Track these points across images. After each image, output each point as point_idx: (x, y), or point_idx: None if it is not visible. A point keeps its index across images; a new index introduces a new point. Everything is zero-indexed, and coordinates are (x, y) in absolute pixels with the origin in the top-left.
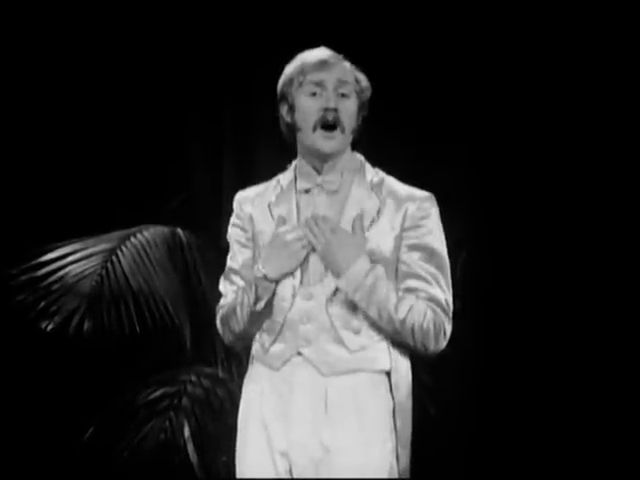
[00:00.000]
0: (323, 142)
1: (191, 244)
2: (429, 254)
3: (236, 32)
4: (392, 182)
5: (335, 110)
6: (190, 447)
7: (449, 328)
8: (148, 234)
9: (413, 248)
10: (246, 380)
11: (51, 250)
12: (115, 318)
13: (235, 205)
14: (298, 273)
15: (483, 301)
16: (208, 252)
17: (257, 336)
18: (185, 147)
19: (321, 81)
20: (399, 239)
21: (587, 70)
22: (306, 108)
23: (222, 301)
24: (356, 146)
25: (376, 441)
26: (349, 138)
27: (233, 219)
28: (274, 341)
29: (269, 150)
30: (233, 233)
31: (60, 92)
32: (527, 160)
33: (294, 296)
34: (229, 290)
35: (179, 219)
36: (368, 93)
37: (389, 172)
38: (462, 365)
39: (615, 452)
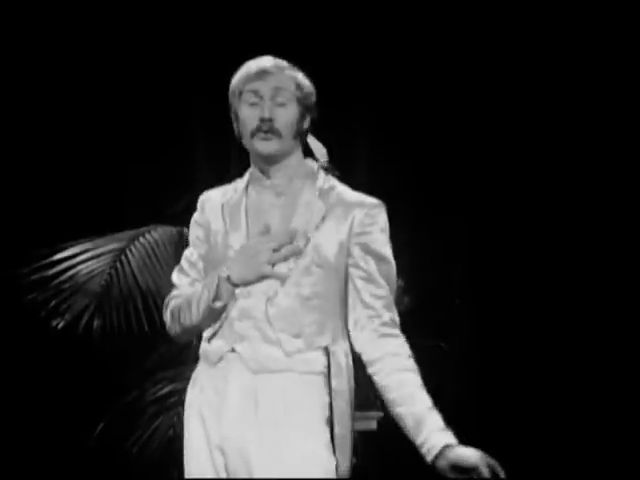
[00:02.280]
0: (260, 144)
1: None
2: (377, 260)
3: (245, 36)
4: (343, 189)
5: (270, 120)
6: None
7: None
8: (156, 234)
9: (363, 253)
10: (192, 377)
11: (61, 250)
12: (124, 316)
13: (198, 204)
14: None
15: (481, 301)
16: None
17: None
18: (192, 149)
19: (257, 90)
20: (345, 245)
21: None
22: (245, 117)
23: (175, 292)
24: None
25: (305, 439)
26: (290, 143)
27: (194, 216)
28: (213, 336)
29: None
30: (192, 229)
31: (71, 94)
32: (522, 169)
33: (236, 294)
34: (184, 282)
35: (186, 219)
36: (312, 98)
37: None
38: (461, 365)
39: (615, 448)
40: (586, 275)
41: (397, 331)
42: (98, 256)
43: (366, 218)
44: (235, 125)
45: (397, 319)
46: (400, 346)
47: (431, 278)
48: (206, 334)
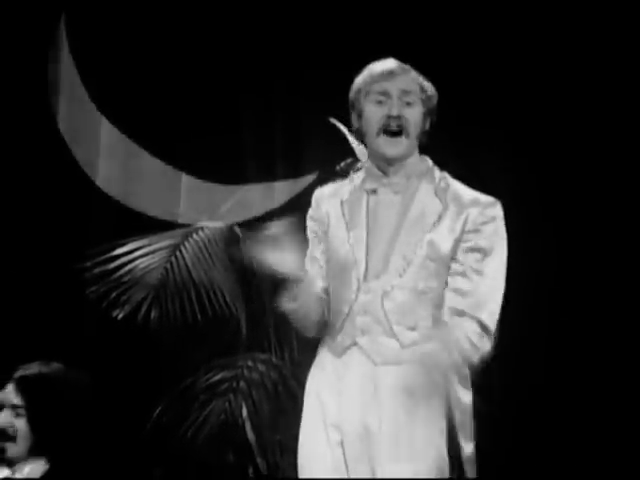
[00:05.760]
0: (387, 147)
1: (246, 239)
2: (484, 255)
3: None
4: (458, 187)
5: (399, 117)
6: (247, 426)
7: (487, 345)
8: (208, 231)
9: (469, 250)
10: (315, 362)
11: (121, 246)
12: (179, 307)
13: (313, 201)
14: (362, 268)
15: (537, 298)
16: None
17: (328, 325)
18: (240, 150)
19: (385, 90)
20: (458, 242)
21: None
22: (371, 115)
23: None
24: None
25: (423, 425)
26: (414, 143)
27: (310, 213)
28: (338, 330)
29: (316, 149)
30: (309, 225)
31: (126, 94)
32: (568, 147)
33: (358, 289)
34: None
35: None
36: (434, 100)
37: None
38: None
39: None
40: None
41: (475, 319)
42: (154, 251)
43: (480, 217)
44: (357, 124)
45: (483, 317)
46: (468, 325)
47: None
48: (330, 328)
